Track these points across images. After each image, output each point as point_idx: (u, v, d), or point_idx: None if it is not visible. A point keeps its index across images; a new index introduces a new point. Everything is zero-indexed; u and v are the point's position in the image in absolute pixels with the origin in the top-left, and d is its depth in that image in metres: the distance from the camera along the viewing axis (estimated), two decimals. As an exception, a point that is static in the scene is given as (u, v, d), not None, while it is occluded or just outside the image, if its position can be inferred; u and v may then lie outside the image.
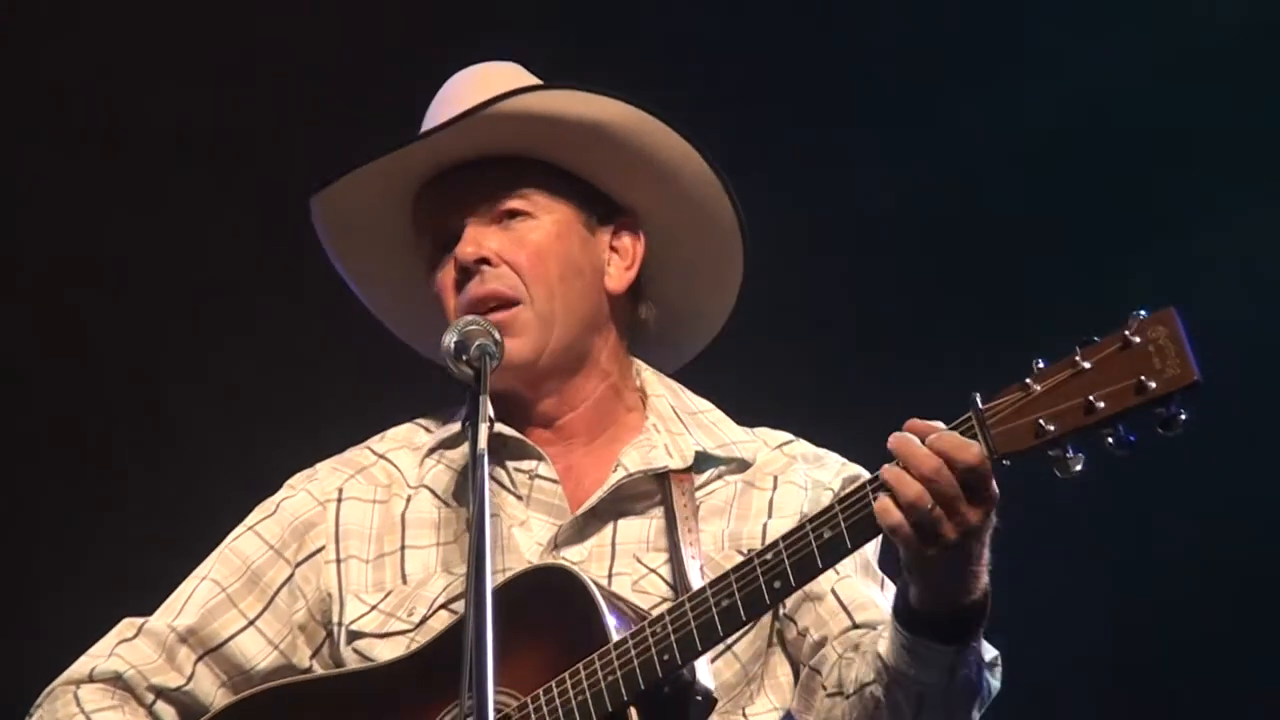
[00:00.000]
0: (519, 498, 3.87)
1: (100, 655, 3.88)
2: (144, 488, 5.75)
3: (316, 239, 4.04)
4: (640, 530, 3.83)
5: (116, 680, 3.84)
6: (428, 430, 4.01)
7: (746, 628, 3.68)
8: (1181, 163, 5.62)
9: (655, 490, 3.85)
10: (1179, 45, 5.62)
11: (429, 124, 3.95)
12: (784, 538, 3.48)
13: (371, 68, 5.63)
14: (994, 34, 5.69)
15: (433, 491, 3.91)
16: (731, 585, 3.51)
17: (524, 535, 3.83)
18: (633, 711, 3.52)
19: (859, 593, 3.78)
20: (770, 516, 3.84)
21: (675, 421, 3.93)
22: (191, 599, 3.89)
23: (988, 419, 3.38)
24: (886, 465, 3.41)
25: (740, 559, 3.57)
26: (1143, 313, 3.33)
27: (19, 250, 5.78)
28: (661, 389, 3.99)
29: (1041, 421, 3.35)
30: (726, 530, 3.83)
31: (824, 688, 3.71)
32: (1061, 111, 5.66)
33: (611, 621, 3.56)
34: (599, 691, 3.53)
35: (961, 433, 3.39)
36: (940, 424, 3.41)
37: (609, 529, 3.83)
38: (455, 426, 3.93)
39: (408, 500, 3.90)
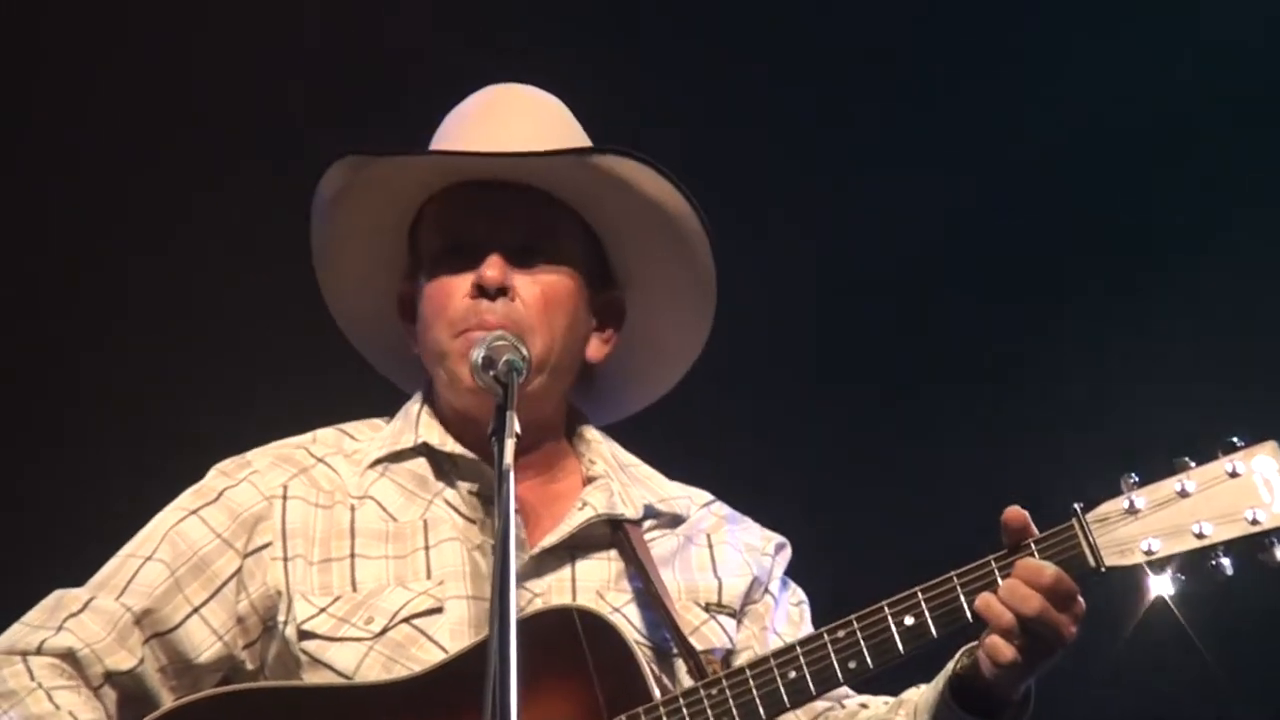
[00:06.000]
0: (471, 521, 3.87)
1: (45, 627, 3.77)
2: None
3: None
4: (601, 570, 3.87)
5: (69, 657, 3.74)
6: (354, 439, 4.00)
7: None
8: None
9: (608, 535, 3.89)
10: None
11: (459, 130, 3.93)
12: (858, 617, 3.59)
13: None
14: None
15: (379, 504, 3.89)
16: (799, 658, 3.60)
17: (485, 562, 3.82)
18: None
19: None
20: (717, 574, 3.93)
21: (619, 471, 3.98)
22: (138, 579, 3.81)
23: (1093, 530, 3.53)
24: (987, 596, 3.54)
25: (703, 613, 3.80)
26: (1239, 441, 3.51)
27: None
28: (601, 437, 4.04)
29: (1150, 541, 3.51)
30: (680, 581, 3.90)
31: None
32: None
33: (651, 675, 3.62)
34: None
35: (1063, 540, 3.54)
36: (1033, 526, 3.56)
37: (567, 567, 3.86)
38: (393, 439, 3.93)
39: (352, 509, 3.88)
